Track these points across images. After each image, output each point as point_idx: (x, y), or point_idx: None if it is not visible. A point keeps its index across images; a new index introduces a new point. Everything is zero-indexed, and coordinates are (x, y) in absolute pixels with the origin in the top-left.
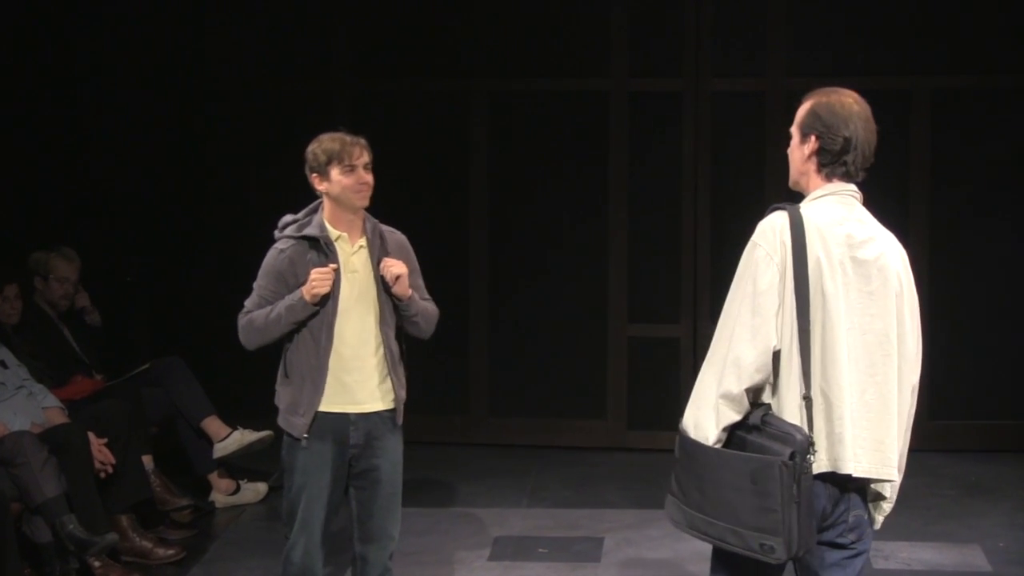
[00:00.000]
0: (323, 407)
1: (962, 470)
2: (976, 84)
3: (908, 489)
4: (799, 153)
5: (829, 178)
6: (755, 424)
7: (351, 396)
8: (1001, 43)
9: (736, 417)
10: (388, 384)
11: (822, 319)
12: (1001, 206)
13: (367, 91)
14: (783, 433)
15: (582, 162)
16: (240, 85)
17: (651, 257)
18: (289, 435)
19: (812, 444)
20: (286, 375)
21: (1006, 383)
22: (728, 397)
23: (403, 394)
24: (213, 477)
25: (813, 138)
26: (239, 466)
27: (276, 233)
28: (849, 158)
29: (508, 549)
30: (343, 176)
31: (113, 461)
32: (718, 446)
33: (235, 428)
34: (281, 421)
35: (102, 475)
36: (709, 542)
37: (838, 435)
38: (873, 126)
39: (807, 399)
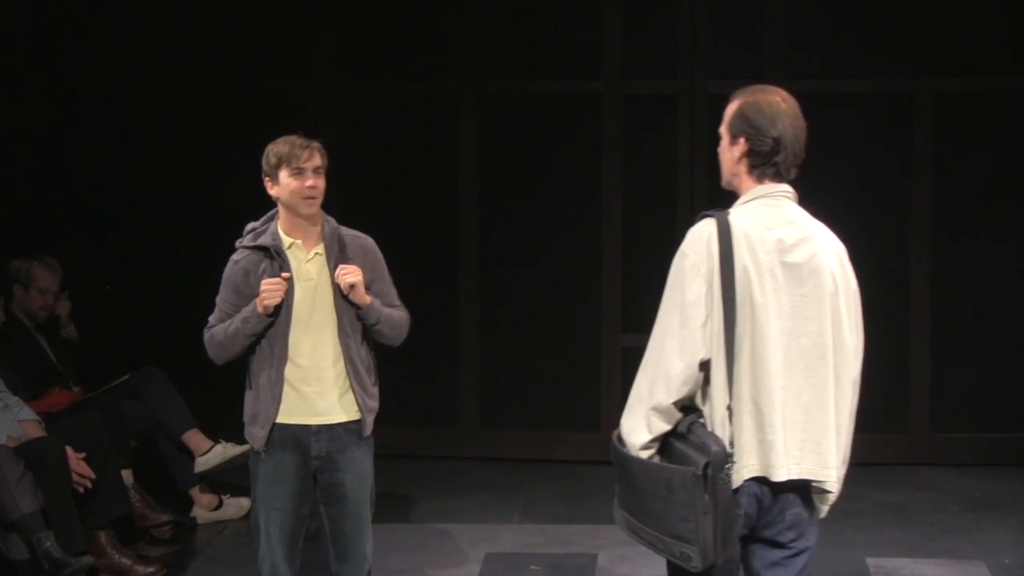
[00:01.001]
0: (281, 419)
1: (966, 484)
2: (979, 86)
3: (910, 504)
4: (729, 155)
5: (760, 179)
6: (682, 432)
7: (310, 407)
8: (1005, 44)
9: (666, 427)
10: (351, 396)
11: (751, 328)
12: (1006, 212)
13: (352, 93)
14: (702, 443)
15: (575, 167)
16: (222, 89)
17: (646, 265)
18: (252, 447)
19: (730, 456)
20: (249, 386)
21: (1012, 394)
22: (658, 409)
23: (372, 404)
24: (195, 492)
25: (743, 140)
26: (221, 480)
27: (237, 242)
28: (779, 158)
29: (499, 566)
30: (292, 179)
31: (92, 476)
32: (647, 452)
33: (217, 441)
34: (245, 433)
35: (80, 490)
36: (645, 547)
37: (769, 442)
38: (802, 123)
39: (729, 409)
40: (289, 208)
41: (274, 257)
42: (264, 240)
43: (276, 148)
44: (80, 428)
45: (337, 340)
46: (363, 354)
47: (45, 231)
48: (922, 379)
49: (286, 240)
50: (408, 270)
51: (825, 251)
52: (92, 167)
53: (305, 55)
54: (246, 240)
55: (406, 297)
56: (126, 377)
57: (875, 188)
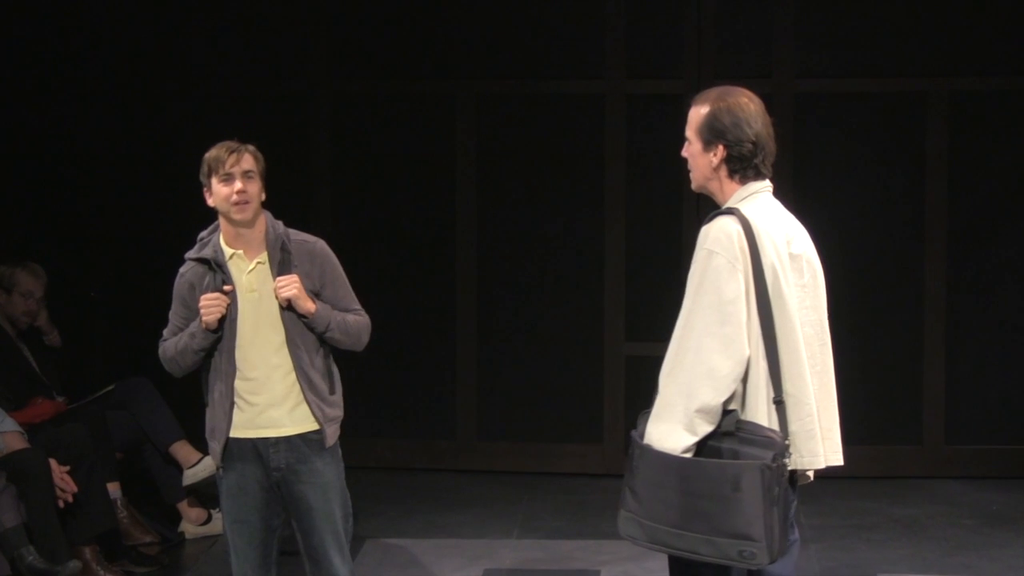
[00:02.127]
0: (234, 432)
1: (981, 498)
2: (997, 86)
3: (924, 519)
4: (704, 161)
5: (743, 181)
6: (728, 430)
7: (265, 419)
8: (1023, 42)
9: (710, 428)
10: (304, 408)
11: (782, 321)
12: (1023, 216)
13: (346, 93)
14: (762, 437)
15: (576, 170)
16: (212, 91)
17: (650, 271)
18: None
19: (788, 446)
20: (206, 401)
21: None
22: (705, 410)
23: (333, 412)
24: (183, 506)
25: (720, 147)
26: (211, 494)
27: (186, 253)
28: (758, 159)
29: None
30: (221, 186)
31: (75, 489)
32: (688, 456)
33: (206, 453)
34: (209, 448)
35: (62, 504)
36: (674, 554)
37: (808, 432)
38: (769, 119)
39: (779, 402)
40: (225, 216)
41: (215, 270)
42: (205, 252)
43: (207, 155)
44: (64, 440)
45: (286, 351)
46: (318, 363)
47: (29, 236)
48: (936, 389)
49: (227, 251)
50: (403, 276)
51: (810, 243)
52: (78, 170)
53: (297, 54)
54: (193, 251)
55: (400, 305)
56: (111, 387)
57: (887, 192)
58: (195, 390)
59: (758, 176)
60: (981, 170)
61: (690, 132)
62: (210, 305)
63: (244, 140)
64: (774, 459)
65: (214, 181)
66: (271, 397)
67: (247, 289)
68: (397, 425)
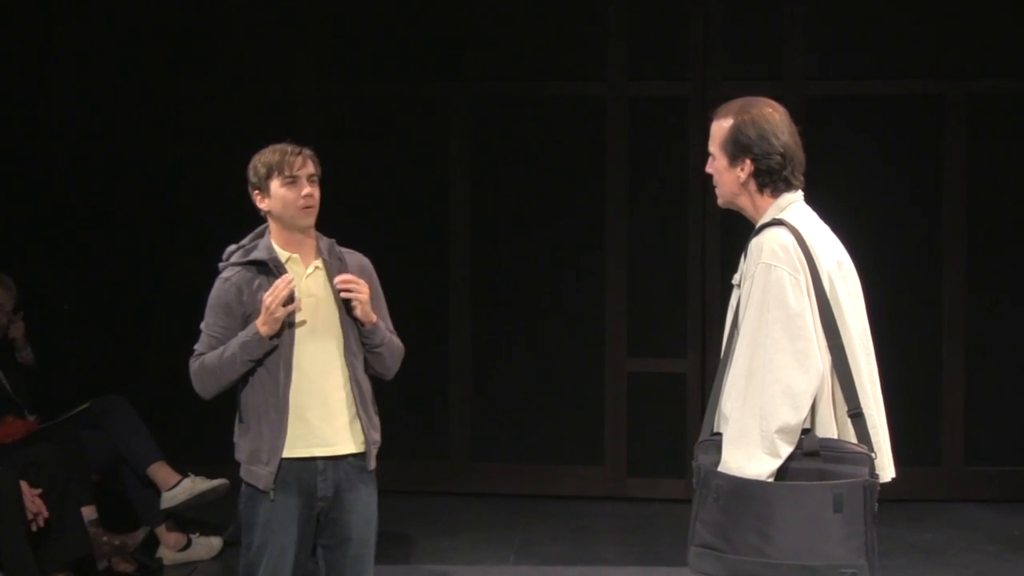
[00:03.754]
0: (287, 452)
1: (1003, 522)
2: (1018, 88)
3: (942, 544)
4: (731, 176)
5: (774, 194)
6: (811, 450)
7: (317, 436)
8: None
9: (791, 448)
10: (357, 424)
11: (844, 331)
12: None
13: (333, 97)
14: (850, 454)
15: (576, 176)
16: (198, 94)
17: (655, 283)
18: (251, 486)
19: (875, 460)
20: (242, 420)
21: None
22: (785, 430)
23: (375, 436)
24: (161, 530)
25: (748, 162)
26: (190, 518)
27: (220, 264)
28: (787, 171)
29: None
30: (285, 189)
31: (46, 514)
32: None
33: (186, 475)
34: (243, 473)
35: (34, 528)
36: None
37: (878, 444)
38: (795, 128)
39: (856, 415)
40: (283, 221)
41: (272, 272)
42: (259, 254)
43: (265, 158)
44: (36, 461)
45: (343, 361)
46: (365, 380)
47: None
48: (956, 408)
49: (282, 254)
50: (395, 288)
51: (844, 249)
52: (51, 177)
53: (281, 55)
54: (235, 258)
55: (392, 318)
56: (86, 405)
57: (901, 202)
58: (175, 408)
59: (789, 187)
60: (1002, 177)
61: (714, 147)
62: (276, 295)
63: (227, 145)
64: (871, 475)
65: (275, 184)
66: (326, 411)
67: (306, 294)
68: (386, 445)
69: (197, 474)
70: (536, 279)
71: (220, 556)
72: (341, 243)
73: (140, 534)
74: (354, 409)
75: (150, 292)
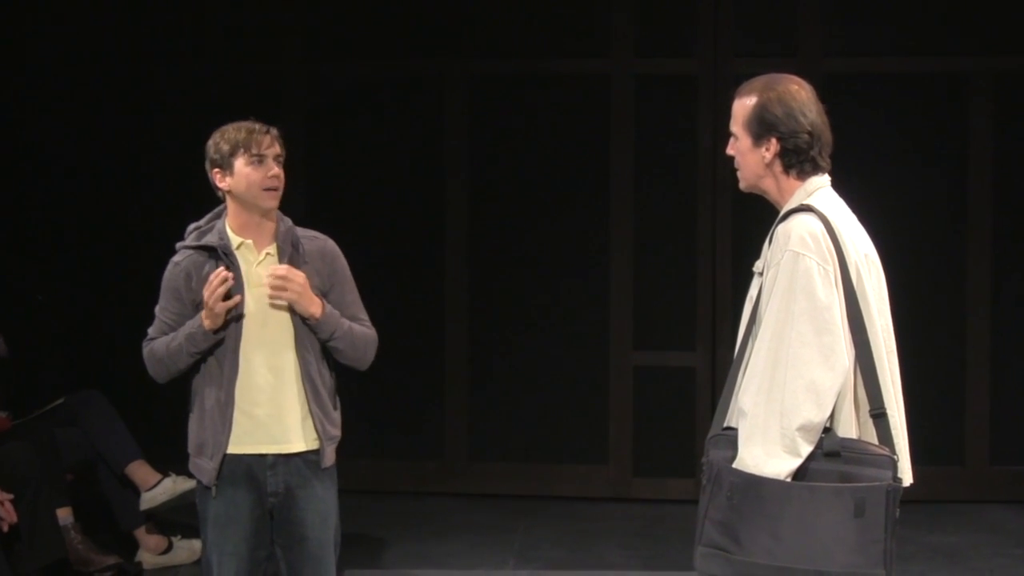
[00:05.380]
0: (233, 448)
1: None
2: None
3: (966, 547)
4: (755, 157)
5: (801, 176)
6: (832, 451)
7: (266, 434)
8: None
9: (811, 448)
10: (310, 421)
11: (871, 326)
12: None
13: (322, 75)
14: (872, 455)
15: (579, 158)
16: (175, 75)
17: (662, 272)
18: (200, 482)
19: (898, 463)
20: (192, 411)
21: None
22: (807, 428)
23: (334, 432)
24: (140, 533)
25: (774, 141)
26: (171, 520)
27: (177, 244)
28: (815, 152)
29: None
30: (250, 169)
31: (14, 520)
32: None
33: (166, 474)
34: (190, 466)
35: (4, 529)
36: None
37: (901, 447)
38: (822, 106)
39: (879, 415)
40: (244, 202)
41: (220, 258)
42: (210, 239)
43: (229, 134)
44: (7, 460)
45: (295, 354)
46: (323, 373)
47: None
48: (980, 406)
49: (235, 240)
50: (386, 277)
51: (869, 239)
52: (23, 162)
53: (266, 31)
54: (189, 240)
55: (383, 307)
56: (61, 400)
57: (924, 186)
58: (155, 403)
59: (816, 169)
60: None
61: (736, 127)
62: (213, 288)
63: (206, 130)
64: (894, 479)
65: (239, 162)
66: (274, 407)
67: (255, 283)
68: (378, 443)
69: (178, 473)
70: (536, 266)
71: (201, 561)
72: (326, 232)
73: (111, 559)
74: (307, 405)
75: (128, 283)
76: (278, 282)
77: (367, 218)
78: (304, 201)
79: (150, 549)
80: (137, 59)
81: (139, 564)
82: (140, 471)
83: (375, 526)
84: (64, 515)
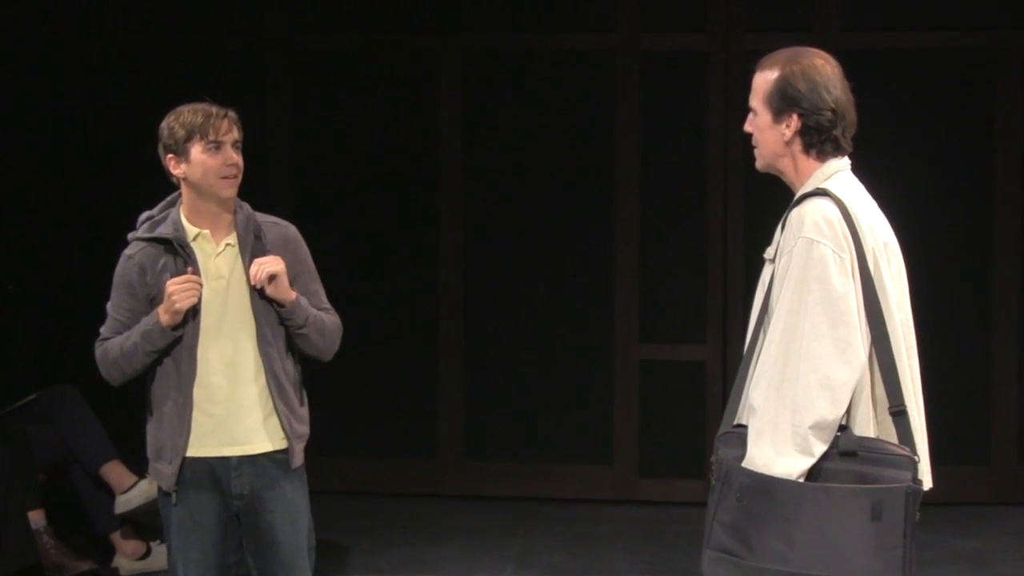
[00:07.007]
0: (193, 451)
1: None
2: None
3: (991, 552)
4: (774, 134)
5: (821, 157)
6: (848, 450)
7: (227, 435)
8: None
9: (825, 447)
10: (275, 419)
11: (889, 319)
12: None
13: (307, 50)
14: (891, 456)
15: (581, 141)
16: (151, 48)
17: (669, 261)
18: (160, 487)
19: (919, 464)
20: (150, 413)
21: None
22: (820, 426)
23: (301, 429)
24: (116, 537)
25: (795, 117)
26: (148, 523)
27: (129, 235)
28: (838, 131)
29: None
30: (207, 156)
31: None
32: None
33: (142, 476)
34: (149, 470)
35: None
36: None
37: (920, 448)
38: (847, 84)
39: (900, 413)
40: (200, 191)
41: (176, 251)
42: (164, 231)
43: (185, 118)
44: None
45: (257, 350)
46: (289, 368)
47: None
48: (1007, 404)
49: (191, 230)
50: (376, 266)
51: (890, 226)
52: None
53: (253, 4)
54: (141, 231)
55: (371, 294)
56: (33, 396)
57: (948, 169)
58: (133, 400)
59: (837, 150)
60: None
61: (756, 102)
62: (183, 289)
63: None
64: (914, 480)
65: (195, 149)
66: (235, 407)
67: (214, 276)
68: (369, 442)
69: None
70: (537, 254)
71: None
72: (312, 219)
73: (86, 565)
74: (271, 403)
75: (104, 273)
76: (268, 267)
77: (355, 203)
78: (289, 184)
79: (127, 555)
80: (115, 35)
81: (116, 570)
82: (115, 472)
83: (364, 530)
84: (36, 518)
